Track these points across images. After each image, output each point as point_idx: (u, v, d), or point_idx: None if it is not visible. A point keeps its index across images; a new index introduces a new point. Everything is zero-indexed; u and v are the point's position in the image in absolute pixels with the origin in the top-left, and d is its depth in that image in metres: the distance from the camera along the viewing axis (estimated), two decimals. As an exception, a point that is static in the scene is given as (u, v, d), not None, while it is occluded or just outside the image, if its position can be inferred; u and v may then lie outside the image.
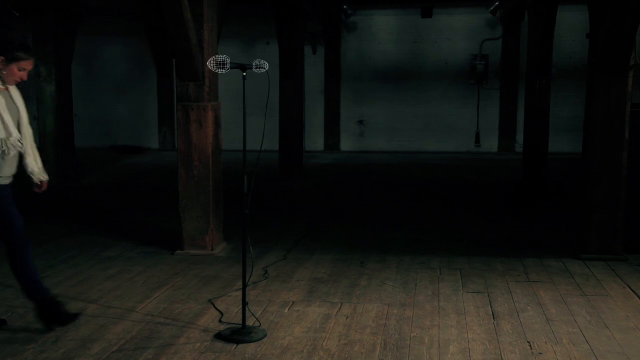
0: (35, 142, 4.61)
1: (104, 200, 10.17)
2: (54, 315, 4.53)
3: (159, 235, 7.34)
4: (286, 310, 4.94)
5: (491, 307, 4.99)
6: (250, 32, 16.46)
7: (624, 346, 4.25)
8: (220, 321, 4.70)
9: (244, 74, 4.26)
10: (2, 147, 4.25)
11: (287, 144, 11.65)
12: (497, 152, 16.25)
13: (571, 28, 15.25)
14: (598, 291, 5.39)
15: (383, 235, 7.48)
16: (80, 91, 15.74)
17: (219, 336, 4.39)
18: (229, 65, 4.21)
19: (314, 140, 16.64)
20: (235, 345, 4.25)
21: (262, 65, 4.28)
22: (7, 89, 4.38)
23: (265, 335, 4.40)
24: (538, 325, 4.62)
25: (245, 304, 4.44)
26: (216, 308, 4.98)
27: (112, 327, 4.59)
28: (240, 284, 5.58)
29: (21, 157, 4.46)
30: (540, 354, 4.12)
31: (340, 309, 4.97)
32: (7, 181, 4.40)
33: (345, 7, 15.64)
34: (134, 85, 17.34)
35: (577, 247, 6.48)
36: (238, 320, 4.67)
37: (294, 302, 5.12)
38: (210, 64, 4.20)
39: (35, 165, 4.51)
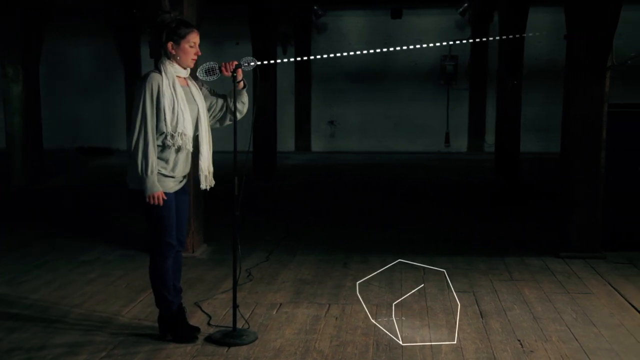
0: (2, 143, 4.40)
1: (76, 202, 9.98)
2: (174, 326, 4.35)
3: (136, 238, 7.22)
4: (274, 312, 4.90)
5: (478, 306, 5.02)
6: (219, 32, 16.29)
7: (611, 343, 4.30)
8: (209, 324, 4.64)
9: (234, 74, 4.20)
10: (177, 142, 4.06)
11: (262, 144, 11.59)
12: (466, 152, 16.41)
13: (538, 29, 15.41)
14: (580, 289, 5.46)
15: (363, 235, 7.48)
16: (46, 92, 15.45)
17: (210, 339, 4.33)
18: (217, 71, 4.16)
19: (285, 140, 16.56)
20: (226, 348, 4.20)
21: (251, 62, 4.22)
22: (187, 84, 4.18)
23: (257, 338, 4.36)
24: (526, 323, 4.66)
25: (235, 306, 4.39)
26: (203, 311, 4.91)
27: (98, 332, 4.49)
28: (224, 286, 5.54)
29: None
30: (532, 351, 4.16)
31: (328, 309, 4.95)
32: (180, 180, 4.25)
33: (315, 7, 15.64)
34: (101, 86, 17.09)
35: (557, 245, 6.55)
36: (226, 322, 4.62)
37: (281, 304, 5.08)
38: (199, 73, 4.14)
39: (206, 168, 4.29)
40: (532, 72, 15.59)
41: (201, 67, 4.17)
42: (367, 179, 12.27)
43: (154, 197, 4.01)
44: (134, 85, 15.98)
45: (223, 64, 4.16)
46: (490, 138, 16.21)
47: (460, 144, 16.55)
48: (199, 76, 4.15)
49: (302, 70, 16.56)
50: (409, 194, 10.70)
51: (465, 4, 15.21)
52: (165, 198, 4.06)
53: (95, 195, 10.66)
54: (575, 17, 6.24)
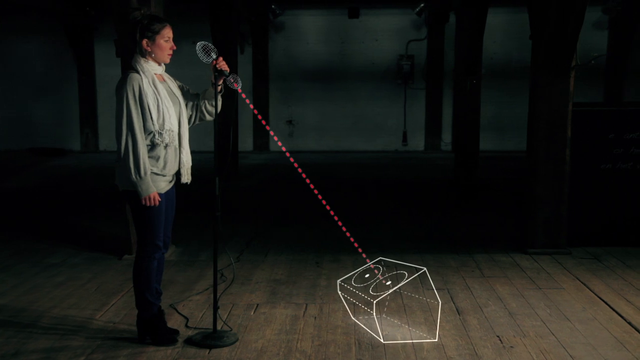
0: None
1: (33, 204, 9.73)
2: (153, 329, 4.25)
3: (101, 240, 7.08)
4: (252, 313, 4.86)
5: (454, 303, 5.07)
6: (176, 31, 16.12)
7: (587, 336, 4.39)
8: (187, 326, 4.58)
9: (217, 74, 4.15)
10: (166, 140, 4.00)
11: (223, 144, 11.47)
12: (423, 151, 16.58)
13: (492, 29, 15.62)
14: (551, 284, 5.56)
15: (332, 234, 7.46)
16: (-4, 91, 15.06)
17: (190, 341, 4.27)
18: (212, 57, 4.10)
19: (243, 140, 16.49)
20: (208, 350, 4.14)
21: (237, 81, 4.17)
22: (164, 80, 4.11)
23: (237, 339, 4.31)
24: (503, 319, 4.72)
25: (216, 307, 4.33)
26: (179, 313, 4.84)
27: (74, 336, 4.38)
28: (198, 287, 5.48)
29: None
30: (512, 347, 4.22)
31: (306, 309, 4.94)
32: (170, 180, 4.18)
33: (273, 6, 15.59)
34: (53, 85, 16.69)
35: (524, 241, 6.66)
36: (204, 324, 4.57)
37: (258, 305, 5.05)
38: (198, 46, 4.07)
39: (187, 162, 4.23)
40: (487, 71, 15.84)
41: (204, 42, 4.10)
42: (328, 178, 12.27)
43: (149, 199, 3.94)
44: (88, 86, 15.66)
45: (221, 57, 4.11)
46: (447, 137, 16.45)
47: (418, 142, 16.72)
48: (197, 48, 4.07)
49: (260, 70, 16.50)
50: (372, 193, 10.75)
51: (422, 4, 15.35)
52: (160, 199, 4.00)
53: (52, 198, 10.41)
54: (540, 18, 6.34)
